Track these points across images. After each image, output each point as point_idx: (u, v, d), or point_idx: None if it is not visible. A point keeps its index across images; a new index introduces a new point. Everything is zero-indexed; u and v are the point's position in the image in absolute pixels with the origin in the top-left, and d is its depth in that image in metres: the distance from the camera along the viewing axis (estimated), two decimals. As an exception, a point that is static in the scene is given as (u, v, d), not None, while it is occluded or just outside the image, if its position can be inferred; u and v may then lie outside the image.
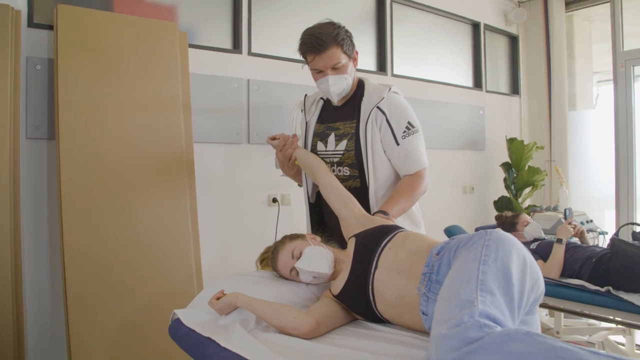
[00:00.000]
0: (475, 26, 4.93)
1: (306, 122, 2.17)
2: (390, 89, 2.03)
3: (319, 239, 1.76)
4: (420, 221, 2.14)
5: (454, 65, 4.80)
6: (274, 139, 2.11)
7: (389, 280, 1.45)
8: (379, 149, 1.98)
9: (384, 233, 1.59)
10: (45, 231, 2.55)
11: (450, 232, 3.52)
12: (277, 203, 3.34)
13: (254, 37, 3.30)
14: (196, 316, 1.61)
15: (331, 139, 2.07)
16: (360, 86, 2.08)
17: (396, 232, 1.59)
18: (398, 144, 1.96)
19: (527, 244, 3.31)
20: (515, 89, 5.39)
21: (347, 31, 1.94)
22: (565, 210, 3.60)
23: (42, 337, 2.51)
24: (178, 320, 1.60)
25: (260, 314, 1.50)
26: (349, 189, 1.97)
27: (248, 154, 3.27)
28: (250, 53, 3.28)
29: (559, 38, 5.11)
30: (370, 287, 1.48)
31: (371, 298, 1.48)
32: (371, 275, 1.49)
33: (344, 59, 1.92)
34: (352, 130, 2.02)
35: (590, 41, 5.76)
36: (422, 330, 1.38)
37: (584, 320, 3.98)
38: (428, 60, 4.52)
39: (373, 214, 1.82)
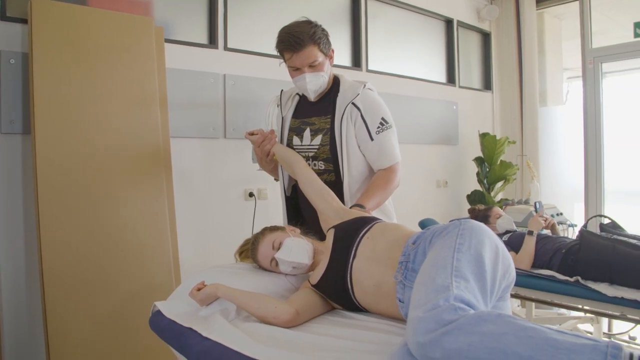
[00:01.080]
0: (449, 22, 5.01)
1: (282, 117, 2.21)
2: (365, 85, 2.09)
3: (298, 230, 1.79)
4: (393, 215, 2.20)
5: (428, 61, 4.87)
6: (252, 134, 2.14)
7: (367, 269, 1.49)
8: (354, 144, 2.03)
9: (362, 224, 1.63)
10: (21, 227, 2.52)
11: (424, 224, 3.59)
12: (253, 197, 3.36)
13: (230, 32, 3.31)
14: (177, 308, 1.63)
15: (307, 133, 2.11)
16: (335, 82, 2.13)
17: (374, 222, 1.64)
18: (372, 139, 2.02)
19: (499, 236, 3.39)
20: (487, 85, 5.48)
21: (323, 30, 2.00)
22: (535, 203, 3.70)
23: (19, 333, 2.49)
24: (159, 312, 1.62)
25: (241, 304, 1.53)
26: (326, 182, 2.01)
27: (224, 148, 3.28)
28: (226, 48, 3.28)
29: (530, 35, 5.21)
30: (348, 275, 1.52)
31: (349, 286, 1.52)
32: (350, 264, 1.53)
33: (320, 57, 1.98)
34: (327, 125, 2.07)
35: (561, 38, 5.90)
36: (399, 317, 1.43)
37: (555, 310, 4.10)
38: (402, 56, 4.58)
39: (350, 208, 1.86)
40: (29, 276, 2.51)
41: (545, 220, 3.28)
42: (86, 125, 2.49)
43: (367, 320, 1.48)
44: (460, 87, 5.09)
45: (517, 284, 3.04)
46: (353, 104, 2.01)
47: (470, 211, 3.72)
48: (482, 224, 1.32)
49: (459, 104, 5.03)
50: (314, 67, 1.97)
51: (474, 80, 5.37)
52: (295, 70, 1.99)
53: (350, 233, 1.61)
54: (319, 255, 1.69)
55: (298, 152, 2.10)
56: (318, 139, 2.08)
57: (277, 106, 2.25)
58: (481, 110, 5.38)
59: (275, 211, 3.33)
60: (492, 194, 4.89)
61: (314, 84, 2.00)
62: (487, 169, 4.89)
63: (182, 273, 2.78)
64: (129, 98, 2.63)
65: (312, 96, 2.06)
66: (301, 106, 2.19)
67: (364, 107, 2.02)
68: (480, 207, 3.71)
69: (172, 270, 2.66)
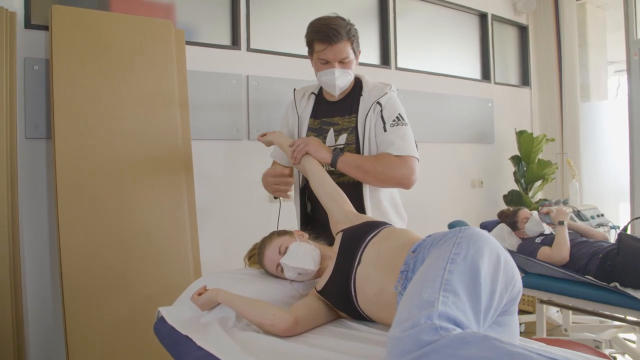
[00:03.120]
0: (483, 17, 4.85)
1: (298, 116, 2.15)
2: (391, 87, 2.06)
3: (306, 235, 1.74)
4: (405, 218, 2.13)
5: (461, 58, 4.73)
6: (263, 135, 2.14)
7: (370, 276, 1.43)
8: (375, 142, 1.98)
9: (370, 228, 1.57)
10: (46, 230, 2.58)
11: (453, 227, 3.47)
12: (278, 199, 3.32)
13: (252, 33, 3.29)
14: (179, 314, 1.61)
15: (330, 134, 2.06)
16: (357, 83, 2.09)
17: (383, 227, 1.57)
18: (385, 130, 1.95)
19: (531, 239, 3.26)
20: (525, 81, 5.29)
21: (356, 29, 1.98)
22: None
23: (44, 334, 2.54)
24: (162, 319, 1.60)
25: (240, 310, 1.50)
26: (347, 183, 1.96)
27: (248, 150, 3.26)
28: (249, 49, 3.27)
29: (570, 27, 5.00)
30: (352, 282, 1.46)
31: (353, 293, 1.46)
32: (354, 271, 1.47)
33: (351, 55, 1.96)
34: (351, 124, 2.02)
35: (605, 30, 5.63)
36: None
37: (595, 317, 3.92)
38: (434, 52, 4.47)
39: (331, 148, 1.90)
40: (54, 277, 2.55)
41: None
42: (105, 129, 2.52)
43: (370, 332, 1.41)
44: (496, 83, 4.93)
45: (552, 290, 2.99)
46: (378, 102, 1.98)
47: (499, 215, 3.59)
48: (484, 231, 1.22)
49: (494, 101, 4.87)
50: (344, 63, 1.95)
51: (510, 76, 5.20)
52: (324, 63, 1.95)
53: (357, 238, 1.55)
54: (326, 261, 1.64)
55: None
56: (343, 138, 2.03)
57: (293, 106, 2.20)
58: (518, 107, 5.19)
59: (300, 213, 3.30)
60: (530, 194, 4.71)
61: (341, 81, 1.97)
62: (525, 168, 4.71)
63: (203, 275, 2.77)
64: (147, 101, 2.65)
65: (336, 93, 2.02)
66: (319, 106, 2.14)
67: (386, 104, 1.98)
68: (510, 209, 3.57)
69: (193, 274, 2.65)
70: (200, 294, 1.57)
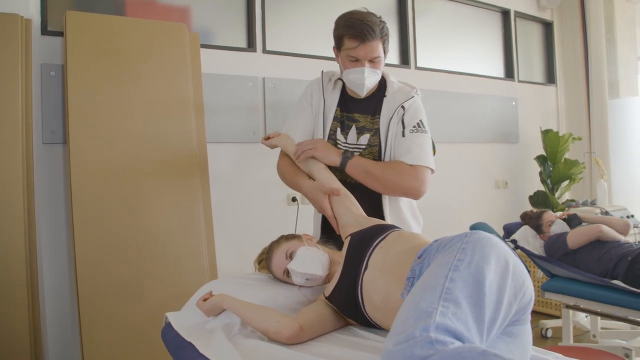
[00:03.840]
0: (505, 14, 4.75)
1: (324, 100, 2.01)
2: (417, 90, 1.97)
3: (315, 239, 1.70)
4: (421, 222, 2.06)
5: (483, 56, 4.64)
6: (267, 138, 2.07)
7: (377, 282, 1.38)
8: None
9: (377, 232, 1.52)
10: (64, 236, 2.60)
11: (476, 229, 3.39)
12: (296, 202, 3.30)
13: (268, 34, 3.28)
14: (186, 319, 1.58)
15: (353, 131, 1.97)
16: (382, 82, 1.99)
17: (390, 231, 1.52)
18: (404, 135, 1.88)
19: (557, 234, 3.17)
20: (550, 78, 5.16)
21: (388, 28, 1.87)
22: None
23: (61, 340, 2.56)
24: (169, 324, 1.58)
25: (244, 316, 1.46)
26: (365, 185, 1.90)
27: (265, 152, 3.20)
28: (264, 51, 3.25)
29: (597, 22, 4.86)
30: (359, 288, 1.41)
31: (360, 300, 1.41)
32: (361, 276, 1.42)
33: (382, 54, 1.85)
34: (374, 125, 1.94)
35: (634, 24, 5.45)
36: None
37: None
38: (455, 51, 4.38)
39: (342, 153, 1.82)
40: (71, 283, 2.56)
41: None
42: (120, 133, 2.52)
43: (378, 340, 1.37)
44: (519, 81, 4.82)
45: (578, 295, 2.89)
46: (402, 106, 1.90)
47: (522, 217, 3.49)
48: (491, 236, 1.15)
49: (518, 100, 4.76)
50: (374, 62, 1.84)
51: (535, 73, 5.07)
52: (353, 61, 1.84)
53: (364, 242, 1.50)
54: (335, 266, 1.59)
55: (341, 149, 1.95)
56: (365, 139, 1.94)
57: (319, 88, 2.04)
58: (544, 105, 5.07)
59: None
60: (557, 194, 4.58)
61: (370, 81, 1.87)
62: (551, 168, 4.59)
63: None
64: (162, 105, 2.64)
65: (364, 93, 1.91)
66: (343, 97, 2.02)
67: (409, 108, 1.91)
68: (534, 211, 3.47)
69: (208, 278, 2.63)
70: (205, 300, 1.55)
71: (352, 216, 1.71)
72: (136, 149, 2.56)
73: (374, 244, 1.47)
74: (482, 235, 1.13)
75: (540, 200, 4.54)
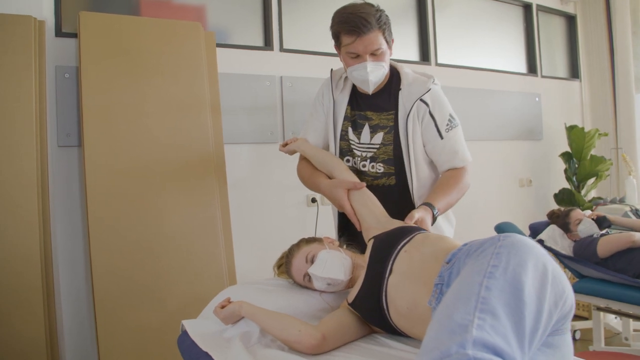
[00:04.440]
0: (527, 7, 4.63)
1: (333, 100, 1.91)
2: (433, 80, 1.85)
3: (337, 242, 1.62)
4: (454, 222, 1.97)
5: (505, 51, 4.52)
6: (285, 145, 2.01)
7: (402, 288, 1.29)
8: (420, 144, 1.82)
9: (402, 234, 1.44)
10: (79, 238, 2.56)
11: (501, 229, 3.28)
12: (316, 203, 3.23)
13: (285, 32, 3.21)
14: (203, 327, 1.51)
15: (365, 130, 1.88)
16: (394, 74, 1.88)
17: (416, 233, 1.43)
18: (442, 137, 1.79)
19: (587, 237, 3.05)
20: (574, 73, 5.02)
21: (387, 15, 1.76)
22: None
23: (78, 346, 2.52)
24: (186, 332, 1.52)
25: (263, 325, 1.39)
26: (383, 187, 1.83)
27: (283, 153, 3.16)
28: (282, 49, 3.19)
29: (622, 14, 4.71)
30: (383, 294, 1.33)
31: (384, 306, 1.33)
32: (385, 281, 1.34)
33: (384, 45, 1.73)
34: (389, 122, 1.84)
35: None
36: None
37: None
38: (476, 47, 4.28)
39: (419, 207, 1.65)
40: (88, 286, 2.52)
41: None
42: (135, 135, 2.48)
43: (404, 350, 1.28)
44: (543, 76, 4.69)
45: (609, 296, 2.77)
46: (421, 100, 1.79)
47: (549, 215, 3.37)
48: (527, 239, 1.05)
49: (542, 95, 4.63)
50: (376, 55, 1.73)
51: (558, 68, 4.94)
52: (354, 57, 1.74)
53: (388, 245, 1.42)
54: (358, 270, 1.51)
55: (354, 150, 1.88)
56: (379, 138, 1.85)
57: (329, 87, 1.95)
58: (568, 101, 4.93)
59: (339, 218, 3.19)
60: (583, 192, 4.45)
61: (375, 75, 1.75)
62: (576, 165, 4.45)
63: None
64: (177, 105, 2.59)
65: (370, 89, 1.80)
66: (354, 95, 1.92)
67: (432, 102, 1.80)
68: (561, 210, 3.35)
69: (227, 282, 2.58)
70: (223, 307, 1.48)
71: (374, 217, 1.63)
72: (152, 150, 2.51)
73: (399, 248, 1.38)
74: (517, 239, 1.04)
75: (566, 198, 4.42)
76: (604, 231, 3.07)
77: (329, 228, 3.19)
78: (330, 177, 1.83)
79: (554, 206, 4.42)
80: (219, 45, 2.88)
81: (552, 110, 4.71)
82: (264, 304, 1.46)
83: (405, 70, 1.88)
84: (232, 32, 3.11)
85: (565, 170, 4.52)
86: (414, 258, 1.32)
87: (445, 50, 4.02)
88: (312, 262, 1.52)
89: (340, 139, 1.90)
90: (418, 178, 1.82)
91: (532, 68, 4.65)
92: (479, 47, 4.30)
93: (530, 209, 4.48)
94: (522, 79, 4.55)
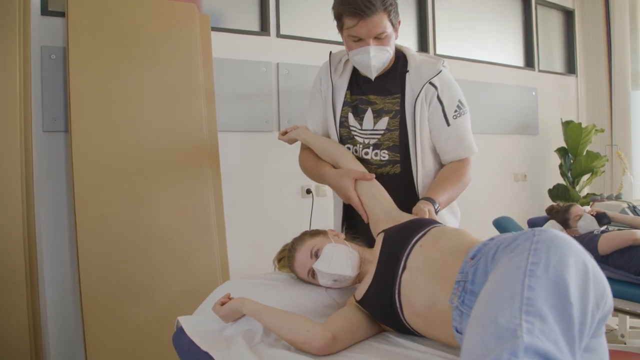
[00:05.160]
0: (526, 1, 4.56)
1: (332, 84, 1.79)
2: (443, 62, 1.75)
3: (342, 236, 1.52)
4: (459, 214, 1.88)
5: (503, 44, 4.46)
6: (284, 133, 1.90)
7: (417, 285, 1.20)
8: (427, 130, 1.72)
9: (416, 228, 1.34)
10: (65, 228, 2.44)
11: (500, 224, 3.22)
12: (311, 194, 3.14)
13: (282, 17, 3.10)
14: (200, 325, 1.41)
15: (368, 115, 1.76)
16: (400, 57, 1.77)
17: (431, 227, 1.34)
18: (449, 124, 1.69)
19: (587, 234, 2.99)
20: (571, 68, 4.97)
21: None
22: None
23: (63, 343, 2.41)
24: (182, 329, 1.42)
25: (268, 324, 1.29)
26: (387, 175, 1.73)
27: (279, 142, 3.04)
28: (279, 35, 3.09)
29: (621, 10, 4.68)
30: (396, 291, 1.24)
31: (397, 305, 1.24)
32: (398, 278, 1.25)
33: (389, 28, 1.63)
34: (395, 107, 1.73)
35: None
36: (456, 346, 1.15)
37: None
38: (474, 38, 4.20)
39: (419, 201, 1.56)
40: (74, 279, 2.41)
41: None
42: (125, 121, 2.36)
43: (420, 350, 1.20)
44: (540, 71, 4.63)
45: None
46: (431, 83, 1.68)
47: (548, 210, 3.31)
48: (563, 234, 0.97)
49: (538, 90, 4.57)
50: (380, 39, 1.62)
51: (555, 63, 4.88)
52: (356, 41, 1.63)
53: (400, 239, 1.33)
54: (366, 265, 1.42)
55: (356, 137, 1.78)
56: (383, 123, 1.74)
57: (327, 72, 1.84)
58: (564, 96, 4.88)
59: (336, 210, 3.11)
60: (577, 188, 4.41)
61: (378, 60, 1.65)
62: (572, 161, 4.41)
63: (232, 278, 2.60)
64: (170, 91, 2.48)
65: (373, 75, 1.70)
66: (356, 78, 1.82)
67: (441, 86, 1.69)
68: (560, 205, 3.29)
69: (220, 276, 2.48)
70: (223, 304, 1.38)
71: (382, 209, 1.54)
72: (143, 137, 2.39)
73: (412, 242, 1.29)
74: (554, 234, 0.95)
75: (560, 194, 4.37)
76: (603, 227, 3.03)
77: (324, 220, 3.11)
78: (335, 167, 1.73)
79: (549, 201, 4.38)
80: (214, 29, 2.76)
81: (548, 105, 4.66)
82: (266, 301, 1.36)
83: (412, 53, 1.77)
84: (226, 15, 2.99)
85: (560, 166, 4.48)
86: (431, 253, 1.23)
87: (444, 41, 3.94)
88: (317, 256, 1.43)
89: (340, 126, 1.79)
90: (424, 167, 1.72)
91: (529, 62, 4.59)
92: (477, 39, 4.22)
93: (525, 204, 4.43)
94: (519, 72, 4.49)
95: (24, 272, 2.14)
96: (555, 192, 4.41)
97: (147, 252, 2.33)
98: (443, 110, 1.70)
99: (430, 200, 1.54)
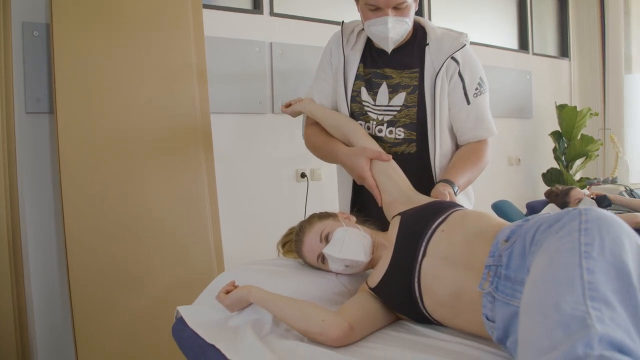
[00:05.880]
0: (521, -18, 4.49)
1: (344, 56, 1.68)
2: (466, 36, 1.64)
3: (354, 219, 1.43)
4: (472, 198, 1.81)
5: (497, 26, 4.38)
6: (288, 105, 1.78)
7: (441, 273, 1.12)
8: (447, 108, 1.62)
9: (436, 211, 1.25)
10: (51, 215, 2.32)
11: (499, 208, 3.17)
12: (305, 178, 3.05)
13: (276, -5, 2.99)
14: (203, 315, 1.32)
15: (383, 90, 1.65)
16: (418, 29, 1.67)
17: (452, 210, 1.25)
18: (469, 102, 1.60)
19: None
20: (564, 51, 4.92)
21: None
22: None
23: (51, 336, 2.29)
24: (182, 320, 1.32)
25: (279, 313, 1.20)
26: (402, 155, 1.63)
27: (273, 124, 2.97)
28: (272, 13, 2.98)
29: (615, -7, 4.63)
30: (415, 279, 1.16)
31: (417, 294, 1.15)
32: (417, 265, 1.16)
33: None
34: (413, 82, 1.63)
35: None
36: (482, 335, 1.07)
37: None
38: (468, 20, 4.11)
39: (438, 183, 1.48)
40: (62, 269, 2.29)
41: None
42: (114, 102, 2.24)
43: (443, 339, 1.11)
44: (534, 54, 4.56)
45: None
46: (452, 57, 1.59)
47: (547, 194, 3.27)
48: (611, 214, 0.90)
49: (532, 73, 4.51)
50: (400, 9, 1.52)
51: (549, 46, 4.82)
52: (374, 10, 1.53)
53: (419, 223, 1.24)
54: (379, 250, 1.33)
55: (369, 113, 1.67)
56: (400, 99, 1.63)
57: (339, 43, 1.72)
58: (557, 79, 4.83)
59: (331, 193, 2.99)
60: (571, 172, 4.37)
61: (396, 32, 1.55)
62: (566, 145, 4.37)
63: (227, 265, 2.50)
64: (161, 70, 2.36)
65: (390, 47, 1.60)
66: (370, 51, 1.71)
67: (463, 61, 1.60)
68: (559, 188, 3.25)
69: (215, 263, 2.39)
70: (228, 292, 1.28)
71: (398, 190, 1.45)
72: (133, 119, 2.27)
73: (433, 226, 1.20)
74: (602, 213, 0.87)
75: (554, 178, 4.34)
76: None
77: (319, 205, 3.01)
78: (346, 145, 1.63)
79: (543, 185, 4.36)
80: (205, 6, 2.64)
81: (541, 89, 4.60)
82: (272, 288, 1.27)
83: (431, 25, 1.67)
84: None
85: (554, 150, 4.44)
86: (455, 238, 1.14)
87: (439, 23, 3.83)
88: (328, 241, 1.34)
89: (352, 101, 1.69)
90: (441, 147, 1.63)
91: (523, 45, 4.52)
92: (471, 21, 4.14)
93: (519, 188, 4.40)
94: (514, 55, 4.43)
95: (8, 261, 2.06)
96: (549, 176, 4.37)
97: (139, 239, 2.23)
98: (464, 88, 1.61)
99: (449, 183, 1.46)
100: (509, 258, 0.98)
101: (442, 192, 1.40)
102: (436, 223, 1.20)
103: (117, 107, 2.25)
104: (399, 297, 1.20)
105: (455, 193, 1.46)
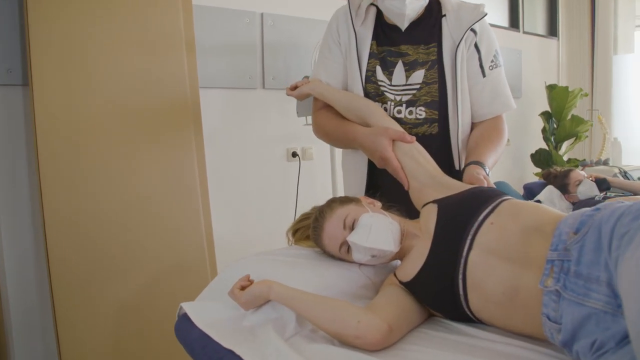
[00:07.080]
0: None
1: (355, 32, 1.54)
2: (484, 6, 1.53)
3: (379, 204, 1.29)
4: None
5: (488, 3, 4.23)
6: (294, 88, 1.62)
7: (491, 268, 1.00)
8: (467, 83, 1.51)
9: (482, 201, 1.11)
10: (26, 197, 2.12)
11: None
12: (297, 158, 2.90)
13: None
14: (211, 312, 1.16)
15: (399, 68, 1.53)
16: (433, 1, 1.54)
17: (501, 199, 1.11)
18: (484, 75, 1.49)
19: (587, 201, 2.88)
20: (552, 31, 4.84)
21: None
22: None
23: (29, 327, 2.12)
24: (186, 318, 1.17)
25: (307, 313, 1.06)
26: (423, 137, 1.49)
27: (263, 100, 2.81)
28: (263, -18, 2.79)
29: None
30: (460, 275, 1.03)
31: (461, 291, 1.03)
32: (462, 259, 1.03)
33: None
34: (431, 56, 1.51)
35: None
36: (536, 336, 0.96)
37: None
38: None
39: (468, 165, 1.35)
40: (39, 257, 2.11)
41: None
42: (95, 75, 2.05)
43: (487, 339, 0.99)
44: (524, 32, 4.47)
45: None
46: (473, 30, 1.49)
47: (545, 175, 3.20)
48: None
49: (522, 52, 4.42)
50: None
51: (538, 25, 4.73)
52: None
53: (463, 213, 1.11)
54: (409, 240, 1.20)
55: (386, 93, 1.53)
56: (418, 76, 1.51)
57: (347, 17, 1.58)
58: (546, 59, 4.76)
59: (323, 174, 2.88)
60: (560, 152, 4.32)
61: (412, 9, 1.44)
62: (555, 125, 4.30)
63: (218, 251, 2.35)
64: (147, 41, 2.18)
65: (405, 24, 1.49)
66: (381, 26, 1.57)
67: (480, 32, 1.50)
68: (558, 170, 3.18)
69: (205, 248, 2.24)
70: (243, 288, 1.14)
71: (427, 174, 1.32)
72: (118, 93, 2.10)
73: (481, 218, 1.07)
74: None
75: (543, 159, 4.28)
76: (603, 193, 2.94)
77: (311, 186, 2.89)
78: (362, 124, 1.49)
79: (531, 166, 4.30)
80: (192, -28, 2.45)
81: (530, 68, 4.52)
82: (291, 283, 1.13)
83: None
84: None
85: (543, 130, 4.37)
86: (509, 231, 1.02)
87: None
88: (352, 228, 1.20)
89: (367, 81, 1.54)
90: (463, 126, 1.52)
91: (514, 22, 4.42)
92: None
93: (507, 169, 4.34)
94: (504, 33, 4.31)
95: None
96: (538, 157, 4.31)
97: (125, 222, 2.07)
98: (480, 59, 1.51)
99: (480, 165, 1.33)
100: (580, 252, 0.86)
101: (477, 177, 1.27)
102: (484, 214, 1.07)
103: (98, 79, 2.06)
104: (439, 293, 1.08)
105: (487, 175, 1.33)
